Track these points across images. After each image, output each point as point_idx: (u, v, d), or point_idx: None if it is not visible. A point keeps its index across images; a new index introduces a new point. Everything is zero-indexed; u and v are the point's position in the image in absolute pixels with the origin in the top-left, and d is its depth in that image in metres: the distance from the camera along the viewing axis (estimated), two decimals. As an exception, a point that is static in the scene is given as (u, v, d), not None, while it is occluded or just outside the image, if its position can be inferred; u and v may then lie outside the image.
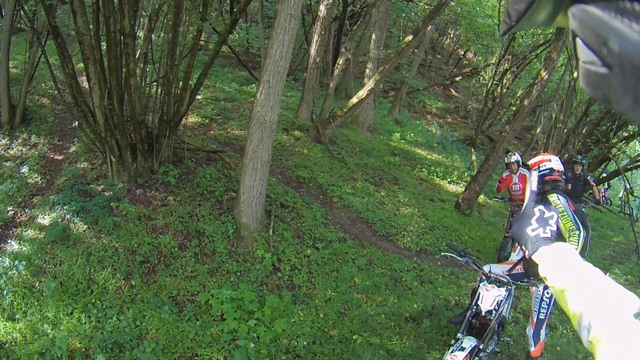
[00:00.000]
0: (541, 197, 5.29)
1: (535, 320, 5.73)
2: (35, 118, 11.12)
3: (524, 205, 2.18)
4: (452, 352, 4.85)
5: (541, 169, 5.45)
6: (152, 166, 8.79)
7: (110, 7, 7.26)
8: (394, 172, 13.72)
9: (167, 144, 8.88)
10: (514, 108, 16.32)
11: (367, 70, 15.83)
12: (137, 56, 8.30)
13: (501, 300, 5.08)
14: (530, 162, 5.36)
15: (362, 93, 12.90)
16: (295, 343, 6.41)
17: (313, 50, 13.40)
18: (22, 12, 10.27)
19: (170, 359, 5.87)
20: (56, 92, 9.65)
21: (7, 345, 5.97)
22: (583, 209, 10.43)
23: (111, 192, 8.31)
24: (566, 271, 1.49)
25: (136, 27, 8.38)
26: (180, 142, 9.71)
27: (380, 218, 10.56)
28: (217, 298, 6.63)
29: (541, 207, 2.08)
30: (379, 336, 6.80)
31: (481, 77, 25.98)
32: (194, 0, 8.69)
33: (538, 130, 21.48)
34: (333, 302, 7.40)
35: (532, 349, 5.70)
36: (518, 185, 9.87)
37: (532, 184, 2.46)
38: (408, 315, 7.50)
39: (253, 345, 6.11)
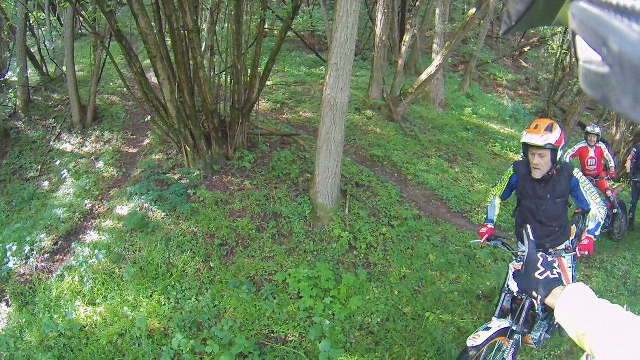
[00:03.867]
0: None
1: None
2: (106, 116, 11.61)
3: (525, 254, 2.11)
4: (476, 332, 4.67)
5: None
6: (227, 153, 9.01)
7: (171, 5, 7.39)
8: (467, 147, 13.54)
9: (241, 130, 9.08)
10: (585, 77, 15.76)
11: (435, 46, 15.60)
12: (203, 49, 8.48)
13: None
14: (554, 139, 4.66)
15: (431, 69, 12.79)
16: (370, 320, 6.47)
17: (378, 29, 13.34)
18: (81, 19, 10.64)
19: (247, 336, 6.04)
20: (125, 89, 9.99)
21: (87, 328, 6.29)
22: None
23: (188, 180, 8.58)
24: (587, 314, 1.47)
25: (199, 21, 8.56)
26: (254, 127, 9.92)
27: (454, 195, 10.49)
28: (294, 277, 6.78)
29: (542, 253, 2.08)
30: (451, 313, 6.77)
31: (549, 47, 25.23)
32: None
33: (610, 100, 20.71)
34: (407, 280, 7.43)
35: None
36: (594, 160, 9.59)
37: (529, 234, 2.35)
38: (481, 292, 7.44)
39: (328, 322, 6.21)
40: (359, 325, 6.38)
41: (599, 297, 1.53)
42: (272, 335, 6.17)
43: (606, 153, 9.55)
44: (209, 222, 7.76)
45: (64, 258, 7.79)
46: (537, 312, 5.05)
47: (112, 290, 6.82)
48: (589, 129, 9.79)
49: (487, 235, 5.29)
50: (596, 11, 0.58)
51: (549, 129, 4.59)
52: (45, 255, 7.89)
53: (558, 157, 4.70)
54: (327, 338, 5.98)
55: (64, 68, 12.16)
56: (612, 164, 9.52)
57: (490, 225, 5.43)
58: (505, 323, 4.77)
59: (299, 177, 9.00)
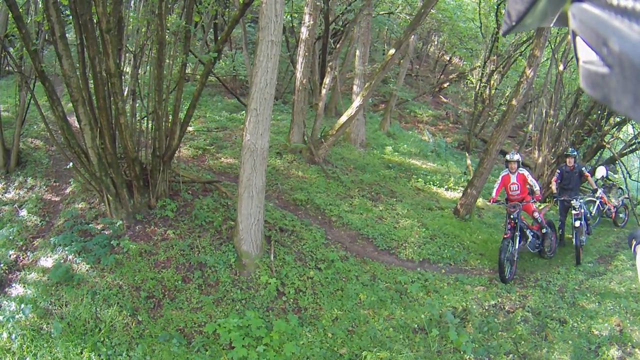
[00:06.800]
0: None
1: None
2: (30, 160, 11.21)
3: None
4: None
5: None
6: (150, 201, 8.84)
7: (94, 47, 7.32)
8: (390, 185, 13.73)
9: (162, 178, 8.94)
10: (504, 108, 16.34)
11: (355, 87, 15.89)
12: (125, 94, 8.36)
13: None
14: None
15: (351, 110, 13.01)
16: (305, 365, 6.41)
17: (299, 72, 13.48)
18: (8, 57, 10.35)
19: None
20: (48, 134, 9.74)
21: (17, 388, 6.01)
22: (581, 200, 10.53)
23: (111, 230, 8.36)
24: None
25: (122, 64, 8.45)
26: (175, 175, 9.78)
27: (380, 232, 10.59)
28: (224, 327, 6.65)
29: None
30: (389, 350, 6.80)
31: (468, 81, 26.08)
32: (177, 34, 8.77)
33: (530, 127, 21.52)
34: (340, 321, 7.42)
35: None
36: (516, 185, 9.84)
37: None
38: (416, 326, 7.51)
39: (263, 371, 6.12)
40: (294, 372, 6.30)
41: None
42: (206, 388, 6.03)
43: (530, 179, 9.85)
44: (134, 274, 7.55)
45: (-9, 312, 7.46)
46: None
47: (41, 347, 6.56)
48: (508, 156, 10.10)
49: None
50: (596, 11, 0.59)
51: None
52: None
53: None
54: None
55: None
56: (536, 188, 9.84)
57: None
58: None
59: (222, 225, 8.92)
